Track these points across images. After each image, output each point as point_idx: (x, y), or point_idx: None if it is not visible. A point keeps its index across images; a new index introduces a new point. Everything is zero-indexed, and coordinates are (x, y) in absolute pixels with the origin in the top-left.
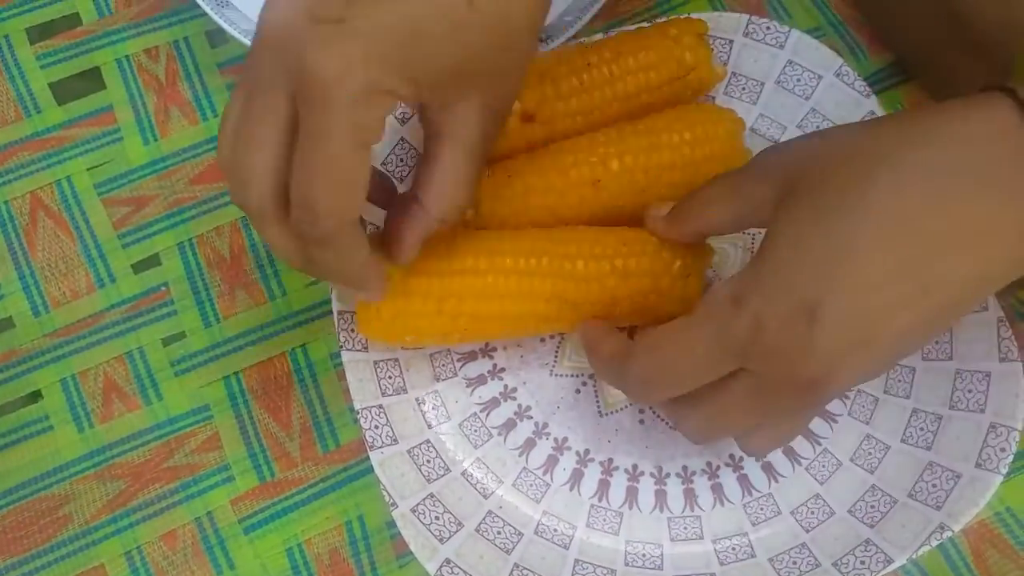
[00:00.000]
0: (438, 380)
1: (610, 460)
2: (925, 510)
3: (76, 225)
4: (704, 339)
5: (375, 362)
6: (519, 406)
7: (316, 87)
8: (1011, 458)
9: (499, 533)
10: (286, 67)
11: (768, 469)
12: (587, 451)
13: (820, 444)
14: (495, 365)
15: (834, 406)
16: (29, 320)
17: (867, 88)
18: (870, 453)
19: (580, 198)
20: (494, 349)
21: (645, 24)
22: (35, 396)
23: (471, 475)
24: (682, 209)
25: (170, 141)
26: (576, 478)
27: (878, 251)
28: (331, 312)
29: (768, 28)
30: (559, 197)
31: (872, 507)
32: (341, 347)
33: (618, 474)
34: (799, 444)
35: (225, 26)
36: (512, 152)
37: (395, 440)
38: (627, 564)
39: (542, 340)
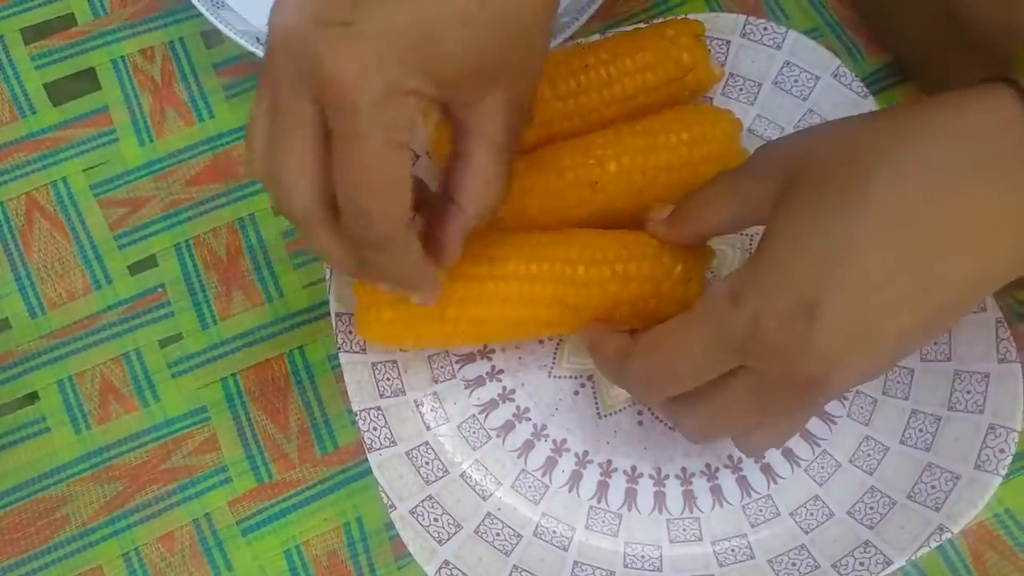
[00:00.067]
0: (436, 382)
1: (609, 462)
2: (924, 511)
3: (72, 226)
4: (703, 337)
5: (373, 364)
6: (518, 408)
7: (337, 92)
8: (1010, 459)
9: (498, 535)
10: (303, 72)
11: (767, 470)
12: (586, 453)
13: (819, 445)
14: (493, 367)
15: (833, 407)
16: (25, 321)
17: (864, 89)
18: (869, 454)
19: (578, 199)
20: (492, 351)
21: (642, 25)
22: (32, 397)
23: (470, 477)
24: (682, 211)
25: (166, 142)
26: (575, 480)
27: (877, 249)
28: (329, 314)
29: (765, 29)
30: (557, 199)
31: (871, 508)
32: (339, 349)
33: (617, 476)
34: (798, 445)
35: (220, 27)
36: None
37: (393, 442)
38: (626, 566)
39: (540, 342)
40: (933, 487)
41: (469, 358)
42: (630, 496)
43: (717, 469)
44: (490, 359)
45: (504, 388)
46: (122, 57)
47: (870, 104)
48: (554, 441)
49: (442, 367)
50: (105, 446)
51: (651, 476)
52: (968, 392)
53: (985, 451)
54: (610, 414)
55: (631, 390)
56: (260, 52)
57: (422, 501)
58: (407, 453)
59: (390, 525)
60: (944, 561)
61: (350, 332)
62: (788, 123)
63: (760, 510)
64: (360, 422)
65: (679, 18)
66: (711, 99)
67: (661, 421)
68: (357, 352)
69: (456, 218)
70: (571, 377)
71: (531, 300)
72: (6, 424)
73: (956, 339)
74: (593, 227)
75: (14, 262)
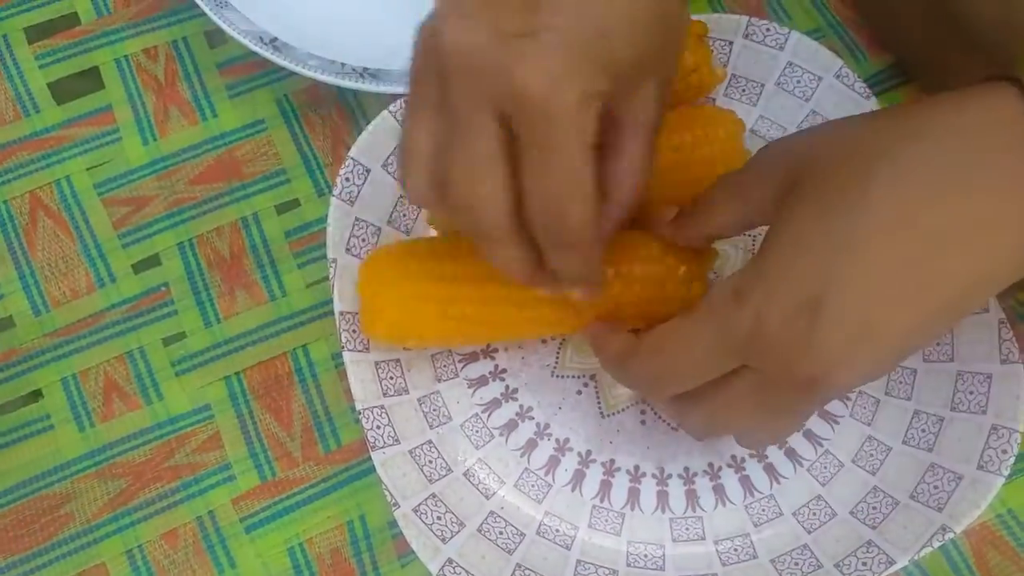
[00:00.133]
0: (440, 381)
1: (612, 461)
2: (927, 511)
3: (76, 225)
4: (706, 336)
5: (376, 363)
6: (520, 407)
7: (531, 104)
8: (1012, 460)
9: (501, 533)
10: (487, 89)
11: (770, 470)
12: (589, 452)
13: (822, 445)
14: (497, 366)
15: (836, 407)
16: (29, 319)
17: (867, 90)
18: (872, 454)
19: None
20: (496, 350)
21: None
22: (36, 395)
23: (473, 475)
24: (687, 214)
25: (169, 141)
26: (578, 479)
27: (879, 248)
28: (332, 313)
29: (768, 30)
30: None
31: (874, 508)
32: (343, 347)
33: (620, 475)
34: (801, 445)
35: (224, 27)
36: None
37: (397, 440)
38: (629, 565)
39: (544, 341)
40: (936, 487)
41: (472, 357)
42: (633, 495)
43: (720, 468)
44: (493, 358)
45: (507, 387)
46: (126, 56)
47: (872, 105)
48: (557, 440)
49: (445, 366)
50: (109, 444)
51: (654, 475)
52: (971, 393)
53: (988, 452)
54: (613, 413)
55: (635, 388)
56: (263, 52)
57: (425, 499)
58: (410, 452)
59: (393, 523)
60: (947, 561)
61: (354, 331)
62: (791, 124)
63: (763, 510)
64: (363, 420)
65: None
66: (714, 100)
67: (664, 420)
68: (361, 351)
69: (608, 213)
70: (574, 376)
71: (534, 300)
72: (10, 422)
73: (959, 340)
74: None
75: (18, 260)
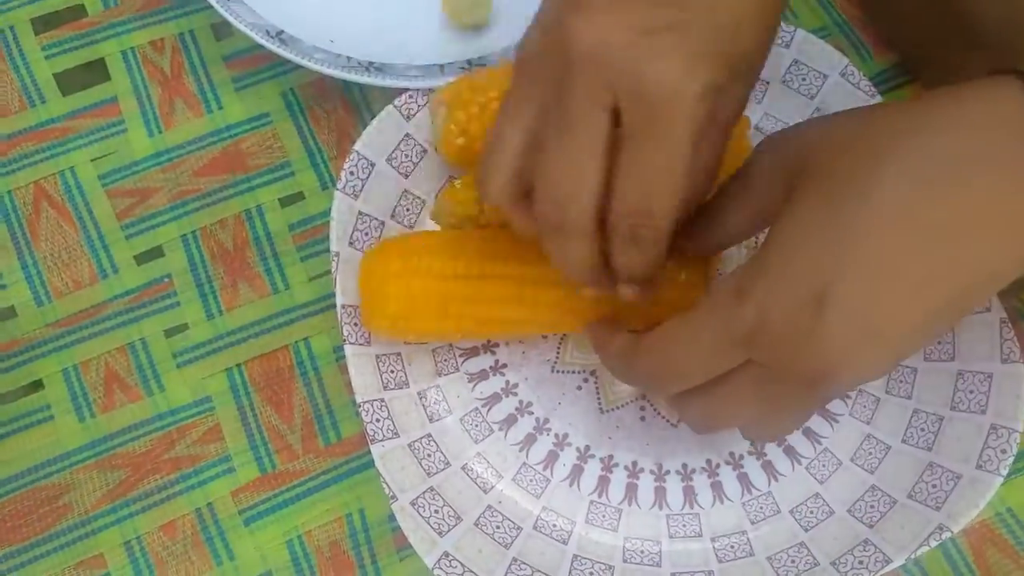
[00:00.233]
0: (440, 375)
1: (610, 456)
2: (925, 511)
3: (79, 216)
4: (709, 333)
5: (377, 356)
6: (520, 402)
7: (657, 94)
8: (1011, 460)
9: (498, 527)
10: (610, 84)
11: (768, 467)
12: (587, 447)
13: (820, 443)
14: (497, 361)
15: (835, 405)
16: (32, 309)
17: (872, 88)
18: (870, 453)
19: None
20: (496, 345)
21: None
22: (36, 385)
23: (471, 469)
24: (698, 226)
25: (175, 133)
26: (576, 474)
27: (883, 241)
28: (334, 306)
29: None
30: None
31: (871, 507)
32: (344, 341)
33: (618, 470)
34: (799, 443)
35: (231, 19)
36: None
37: (396, 434)
38: (625, 560)
39: (544, 337)
40: (934, 486)
41: (473, 352)
42: (630, 491)
43: (718, 465)
44: (494, 353)
45: (507, 382)
46: (132, 48)
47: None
48: (556, 435)
49: (446, 360)
50: (109, 435)
51: (652, 471)
52: (971, 392)
53: (987, 451)
54: (613, 409)
55: (638, 385)
56: (269, 45)
57: (423, 493)
58: (409, 445)
59: (392, 516)
60: (946, 559)
61: (355, 324)
62: (796, 121)
63: (760, 507)
64: (363, 413)
65: None
66: None
67: (663, 417)
68: (362, 344)
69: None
70: (574, 372)
71: (534, 302)
72: (10, 412)
73: (960, 339)
74: None
75: (21, 251)
